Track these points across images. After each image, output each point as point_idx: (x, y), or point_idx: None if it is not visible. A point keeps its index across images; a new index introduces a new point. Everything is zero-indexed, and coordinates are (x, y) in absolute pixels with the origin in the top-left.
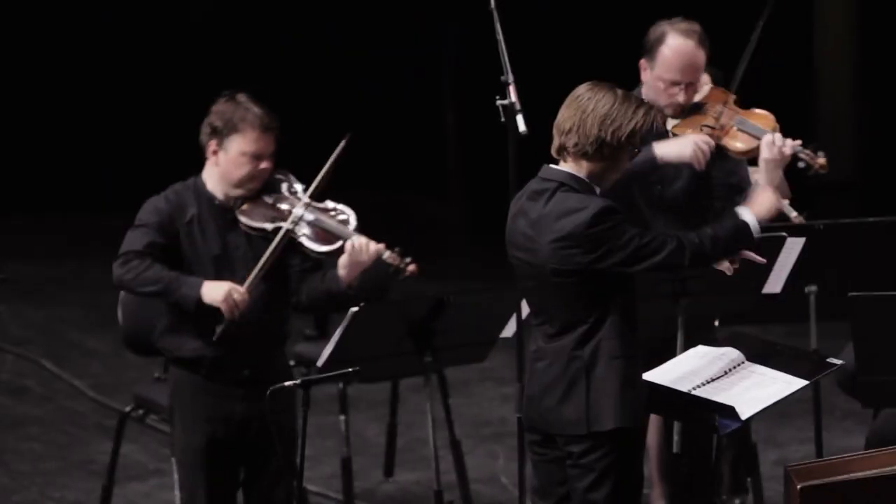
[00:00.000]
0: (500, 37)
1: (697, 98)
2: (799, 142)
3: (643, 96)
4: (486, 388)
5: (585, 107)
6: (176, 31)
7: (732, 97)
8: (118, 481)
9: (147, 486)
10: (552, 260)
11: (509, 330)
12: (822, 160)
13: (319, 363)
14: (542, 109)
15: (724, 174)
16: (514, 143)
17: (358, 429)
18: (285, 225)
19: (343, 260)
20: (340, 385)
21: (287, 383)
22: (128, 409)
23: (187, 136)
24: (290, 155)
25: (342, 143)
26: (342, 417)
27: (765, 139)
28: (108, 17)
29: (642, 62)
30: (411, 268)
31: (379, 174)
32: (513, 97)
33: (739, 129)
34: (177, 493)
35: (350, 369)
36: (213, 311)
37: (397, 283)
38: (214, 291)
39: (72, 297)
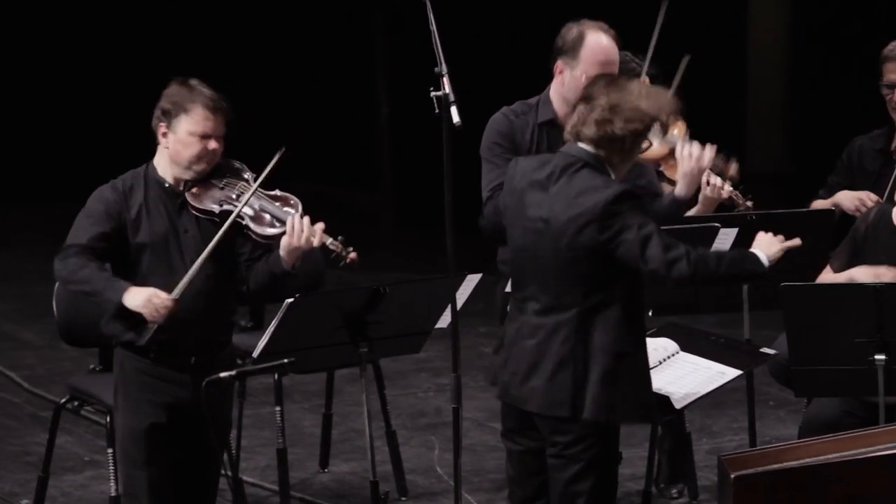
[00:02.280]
0: (434, 27)
1: None
2: (714, 149)
3: (556, 98)
4: (422, 379)
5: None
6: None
7: None
8: (53, 472)
9: (82, 477)
10: (567, 234)
11: (444, 321)
12: (733, 170)
13: (255, 354)
14: (476, 101)
15: (633, 176)
16: (448, 134)
17: (293, 420)
18: (234, 209)
19: (283, 242)
20: (276, 376)
21: (222, 375)
22: (63, 400)
23: (124, 128)
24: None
25: (278, 154)
26: (278, 408)
27: (683, 152)
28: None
29: (559, 64)
30: (352, 255)
31: (311, 166)
32: (447, 88)
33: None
34: (112, 484)
35: (285, 360)
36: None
37: (332, 274)
38: (135, 298)
39: (4, 288)
